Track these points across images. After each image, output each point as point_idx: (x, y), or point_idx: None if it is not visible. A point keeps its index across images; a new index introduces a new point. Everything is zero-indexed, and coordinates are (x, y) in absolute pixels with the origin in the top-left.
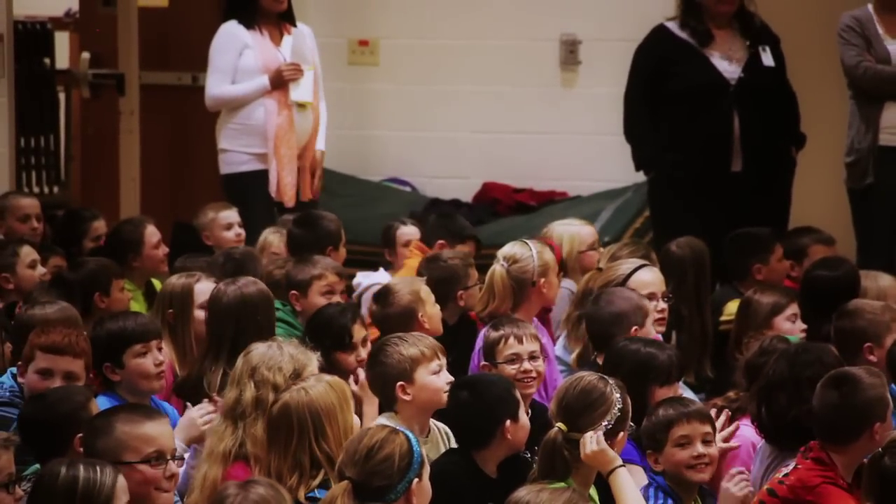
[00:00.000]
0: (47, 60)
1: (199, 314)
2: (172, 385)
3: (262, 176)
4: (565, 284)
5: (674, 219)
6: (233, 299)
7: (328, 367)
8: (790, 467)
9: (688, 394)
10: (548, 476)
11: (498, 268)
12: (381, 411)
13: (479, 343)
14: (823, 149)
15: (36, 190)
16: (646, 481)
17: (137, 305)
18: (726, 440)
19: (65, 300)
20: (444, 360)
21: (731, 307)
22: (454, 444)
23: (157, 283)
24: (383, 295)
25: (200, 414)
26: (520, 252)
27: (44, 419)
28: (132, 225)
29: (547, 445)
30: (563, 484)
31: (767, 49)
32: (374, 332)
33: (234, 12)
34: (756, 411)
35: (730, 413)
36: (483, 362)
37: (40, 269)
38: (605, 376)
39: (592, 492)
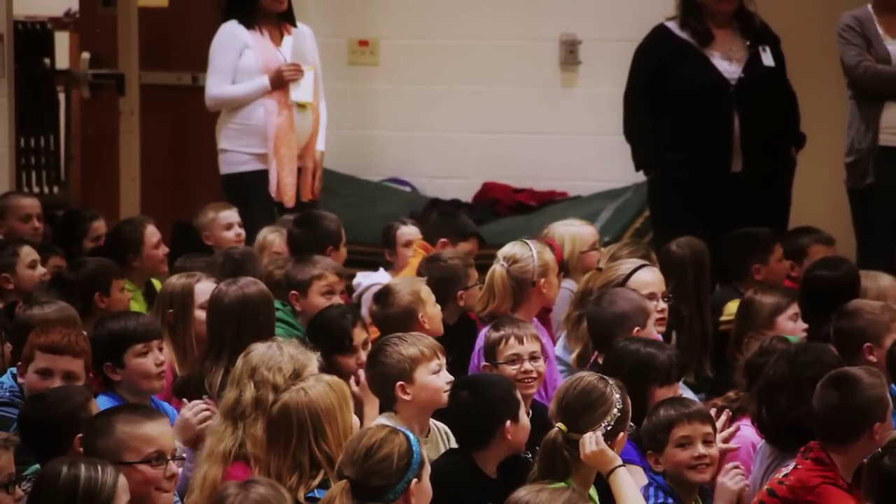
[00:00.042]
0: (47, 60)
1: (200, 314)
2: (172, 385)
3: (262, 176)
4: (566, 285)
5: (674, 219)
6: (234, 299)
7: (328, 368)
8: (790, 467)
9: (688, 394)
10: (548, 476)
11: (498, 268)
12: (381, 412)
13: (478, 343)
14: (823, 149)
15: (36, 190)
16: (646, 481)
17: (137, 305)
18: (726, 441)
19: (65, 300)
20: (443, 360)
21: (731, 307)
22: (454, 444)
23: (156, 283)
24: (384, 295)
25: (194, 413)
26: (520, 252)
27: (43, 419)
28: (132, 225)
29: (547, 445)
30: (562, 484)
31: (767, 49)
32: (375, 332)
33: (235, 12)
34: (756, 412)
35: (730, 413)
36: (484, 363)
37: (40, 269)
38: (605, 376)
39: (592, 492)
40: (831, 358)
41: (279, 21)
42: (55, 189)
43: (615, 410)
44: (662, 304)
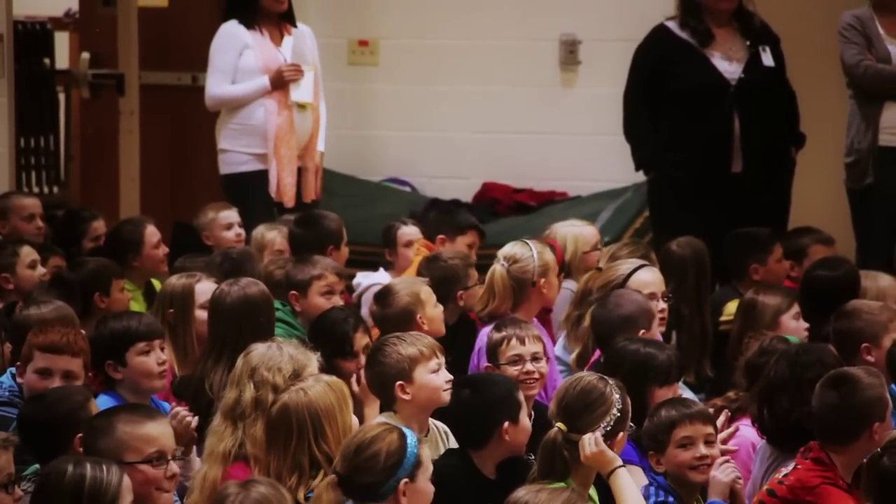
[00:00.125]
0: (47, 60)
1: (201, 314)
2: (171, 385)
3: (262, 176)
4: (567, 285)
5: (674, 219)
6: (236, 300)
7: (329, 370)
8: (790, 468)
9: (687, 394)
10: (547, 476)
11: (498, 268)
12: (381, 412)
13: (478, 343)
14: (823, 149)
15: (36, 190)
16: (645, 481)
17: (137, 305)
18: (724, 442)
19: (64, 300)
20: (442, 359)
21: (731, 307)
22: (453, 444)
23: (156, 283)
24: (383, 295)
25: (178, 421)
26: (520, 252)
27: (43, 419)
28: (132, 225)
29: (547, 445)
30: (562, 484)
31: (767, 49)
32: (377, 332)
33: (235, 12)
34: (757, 413)
35: (729, 414)
36: (485, 363)
37: (40, 270)
38: (605, 376)
39: (592, 492)
40: (832, 358)
41: (279, 21)
42: (55, 189)
43: (615, 410)
44: (662, 305)
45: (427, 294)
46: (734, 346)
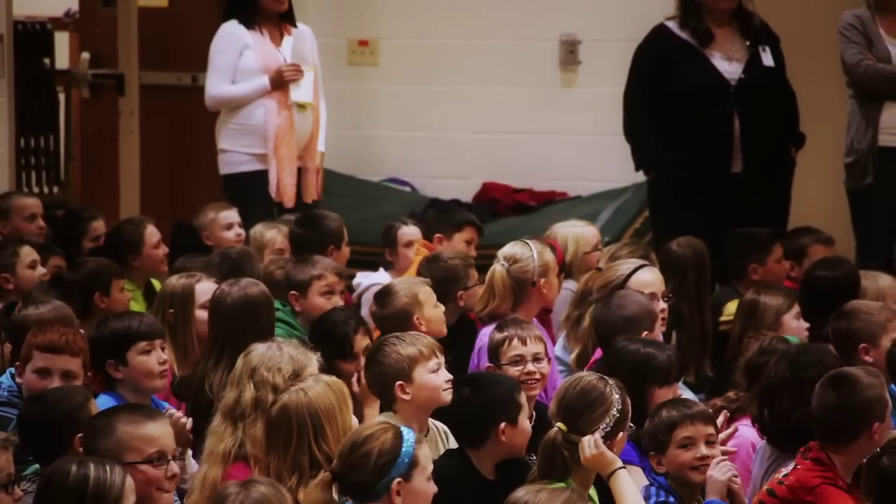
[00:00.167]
0: (47, 60)
1: (201, 314)
2: (171, 385)
3: (262, 176)
4: (568, 285)
5: (674, 219)
6: (236, 300)
7: (329, 371)
8: (790, 468)
9: (687, 394)
10: (547, 476)
11: (498, 268)
12: (381, 412)
13: (478, 343)
14: (823, 149)
15: (36, 190)
16: (645, 481)
17: (137, 305)
18: (723, 443)
19: (64, 300)
20: (441, 358)
21: (731, 307)
22: (453, 444)
23: (156, 283)
24: (382, 296)
25: (173, 422)
26: (520, 252)
27: (43, 419)
28: (132, 225)
29: (547, 445)
30: (562, 484)
31: (767, 49)
32: (378, 333)
33: (235, 12)
34: (758, 413)
35: (728, 414)
36: (485, 363)
37: (40, 270)
38: (605, 376)
39: (592, 492)
40: (832, 359)
41: (279, 21)
42: (55, 189)
43: (615, 411)
44: (663, 304)
45: (426, 295)
46: (735, 346)
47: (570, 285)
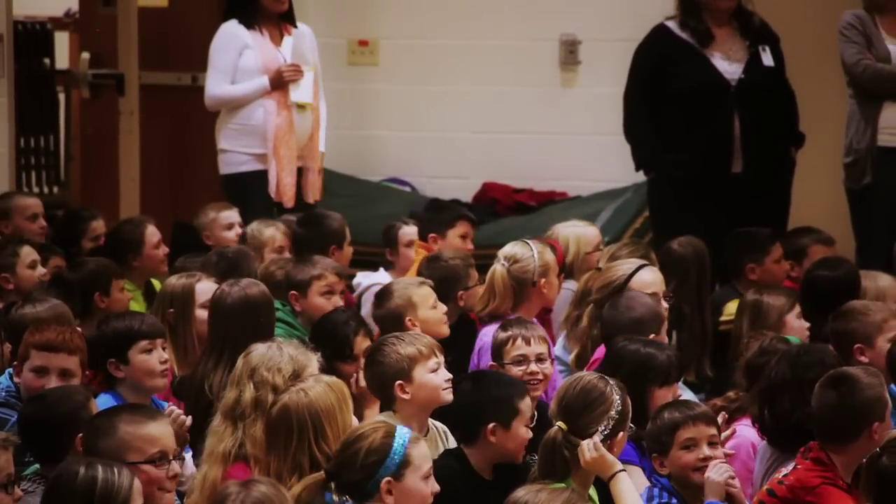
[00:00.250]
0: (47, 60)
1: (201, 314)
2: (171, 385)
3: (262, 176)
4: (568, 286)
5: (674, 219)
6: (236, 300)
7: (329, 372)
8: (790, 468)
9: (687, 394)
10: (547, 476)
11: (499, 267)
12: (381, 412)
13: (478, 343)
14: (823, 149)
15: (36, 190)
16: (645, 481)
17: (137, 305)
18: (722, 444)
19: (64, 300)
20: (441, 358)
21: (731, 307)
22: (452, 444)
23: (156, 283)
24: (380, 295)
25: (172, 419)
26: (521, 252)
27: (44, 419)
28: (132, 225)
29: (547, 445)
30: (562, 484)
31: (767, 49)
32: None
33: (235, 12)
34: (758, 413)
35: (727, 415)
36: (485, 363)
37: (40, 270)
38: (605, 376)
39: (592, 492)
40: (832, 359)
41: (279, 21)
42: (55, 189)
43: (614, 411)
44: (664, 304)
45: (422, 296)
46: (737, 346)
47: (571, 285)
